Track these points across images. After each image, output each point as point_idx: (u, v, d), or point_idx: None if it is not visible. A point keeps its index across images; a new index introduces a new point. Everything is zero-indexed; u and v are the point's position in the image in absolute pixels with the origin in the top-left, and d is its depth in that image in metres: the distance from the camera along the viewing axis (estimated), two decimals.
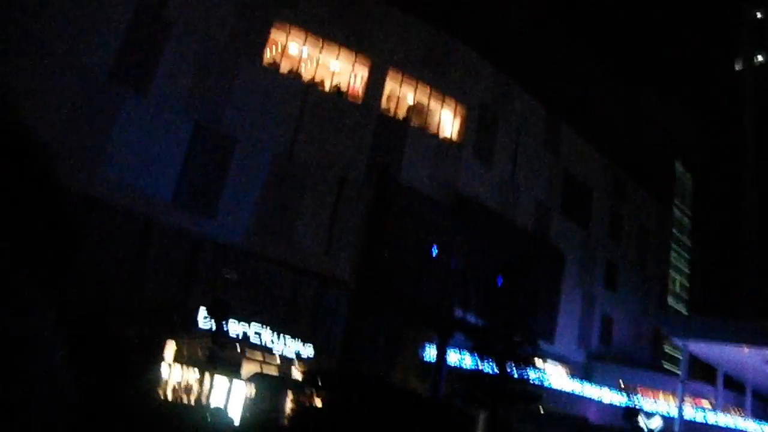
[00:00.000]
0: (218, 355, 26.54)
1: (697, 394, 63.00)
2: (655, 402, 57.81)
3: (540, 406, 37.64)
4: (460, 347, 34.36)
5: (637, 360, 67.98)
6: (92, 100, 34.31)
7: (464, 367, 33.55)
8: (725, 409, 61.09)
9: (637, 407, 45.89)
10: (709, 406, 59.36)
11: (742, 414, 59.45)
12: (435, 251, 18.80)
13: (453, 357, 35.15)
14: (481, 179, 52.58)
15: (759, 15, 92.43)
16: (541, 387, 33.36)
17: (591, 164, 65.45)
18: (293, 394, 20.65)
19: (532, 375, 30.72)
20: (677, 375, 60.00)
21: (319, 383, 19.03)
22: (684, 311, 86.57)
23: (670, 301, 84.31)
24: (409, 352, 36.26)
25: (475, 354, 30.57)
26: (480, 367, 29.85)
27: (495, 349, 29.70)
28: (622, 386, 60.40)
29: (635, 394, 57.02)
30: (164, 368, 32.63)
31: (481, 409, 29.97)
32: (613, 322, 68.58)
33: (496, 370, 29.28)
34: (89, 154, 33.71)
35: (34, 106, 30.82)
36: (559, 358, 59.45)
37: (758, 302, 74.74)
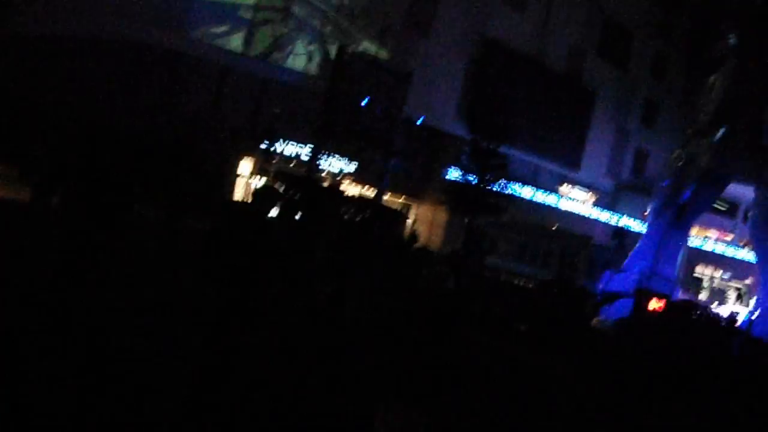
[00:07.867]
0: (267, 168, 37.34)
1: (722, 228, 66.94)
2: None
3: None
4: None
5: None
6: None
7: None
8: (744, 243, 65.46)
9: (624, 228, 51.59)
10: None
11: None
12: (366, 101, 26.73)
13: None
14: (511, 25, 57.40)
15: None
16: (511, 200, 41.46)
17: (633, 6, 68.30)
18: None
19: (499, 189, 38.99)
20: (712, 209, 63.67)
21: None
22: None
23: None
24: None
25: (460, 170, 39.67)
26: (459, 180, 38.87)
27: (472, 167, 38.48)
28: (645, 215, 65.54)
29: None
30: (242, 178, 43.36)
31: (463, 216, 38.88)
32: (647, 157, 74.22)
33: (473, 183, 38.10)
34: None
35: None
36: (588, 185, 66.36)
37: None
